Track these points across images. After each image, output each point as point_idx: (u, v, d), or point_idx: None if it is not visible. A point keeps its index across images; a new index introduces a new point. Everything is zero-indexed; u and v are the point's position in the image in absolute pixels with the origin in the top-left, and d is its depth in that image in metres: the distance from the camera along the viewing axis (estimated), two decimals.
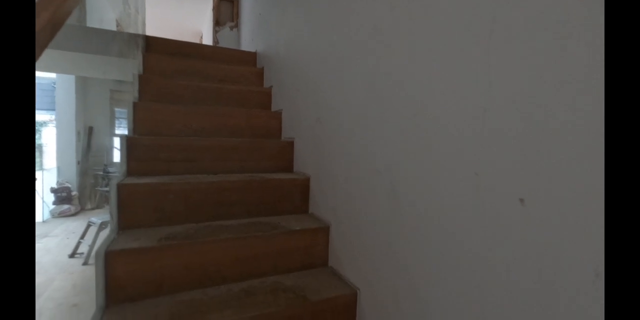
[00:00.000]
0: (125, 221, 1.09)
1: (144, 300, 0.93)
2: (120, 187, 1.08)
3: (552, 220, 0.50)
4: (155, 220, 1.13)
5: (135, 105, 1.43)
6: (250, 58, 2.30)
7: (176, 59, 1.90)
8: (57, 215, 4.68)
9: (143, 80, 1.63)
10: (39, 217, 4.50)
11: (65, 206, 4.75)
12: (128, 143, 1.27)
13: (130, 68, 2.28)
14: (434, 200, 0.73)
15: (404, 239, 0.82)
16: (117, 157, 5.61)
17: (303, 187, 1.37)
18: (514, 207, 0.55)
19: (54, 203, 4.68)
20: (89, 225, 3.44)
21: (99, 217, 3.49)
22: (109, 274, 0.90)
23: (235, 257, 1.05)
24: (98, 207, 5.32)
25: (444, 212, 0.70)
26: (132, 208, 1.10)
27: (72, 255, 3.35)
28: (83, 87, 5.35)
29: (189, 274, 1.00)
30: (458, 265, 0.66)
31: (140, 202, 1.11)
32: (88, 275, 2.95)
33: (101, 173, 5.14)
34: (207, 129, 1.55)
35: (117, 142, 5.65)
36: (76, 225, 4.35)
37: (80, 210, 5.07)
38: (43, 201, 4.61)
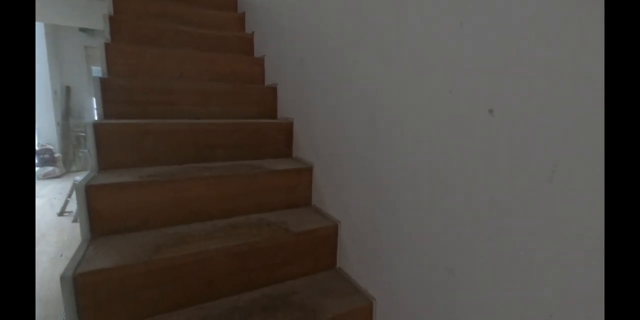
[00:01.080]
0: (105, 161, 1.08)
1: (130, 233, 0.95)
2: (97, 127, 1.06)
3: (519, 130, 0.51)
4: (136, 160, 1.12)
5: (107, 46, 1.35)
6: (230, 3, 2.15)
7: (151, 1, 1.76)
8: (42, 177, 4.62)
9: (115, 22, 1.52)
10: None
11: (50, 168, 4.68)
12: (102, 85, 1.22)
13: (99, 12, 2.11)
14: (409, 128, 0.73)
15: (381, 169, 0.84)
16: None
17: (287, 132, 1.36)
18: (484, 117, 0.56)
19: (37, 165, 4.60)
20: (75, 184, 3.43)
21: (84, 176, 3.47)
22: (92, 207, 0.91)
23: (220, 195, 1.07)
24: (84, 169, 5.25)
25: (418, 139, 0.71)
26: (111, 148, 1.08)
27: (61, 214, 3.37)
28: (55, 42, 5.00)
29: (174, 210, 1.01)
30: (431, 191, 0.69)
31: (119, 142, 1.09)
32: (79, 232, 2.99)
33: (83, 135, 5.00)
34: (187, 74, 1.49)
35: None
36: (62, 186, 4.32)
37: (65, 172, 5.01)
38: None
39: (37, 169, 4.61)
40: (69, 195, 3.44)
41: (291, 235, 0.99)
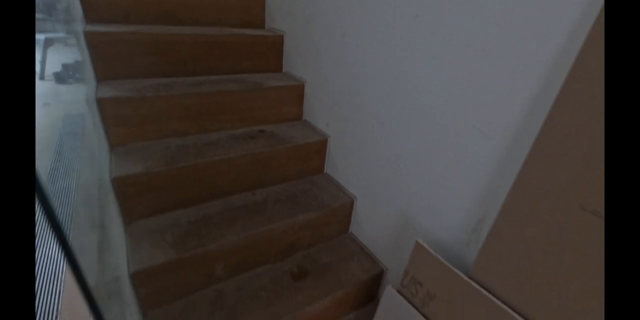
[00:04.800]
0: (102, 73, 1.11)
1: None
2: (89, 36, 1.03)
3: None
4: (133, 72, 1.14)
5: None
6: None
7: None
8: None
9: None
10: None
11: None
12: None
13: None
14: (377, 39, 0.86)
15: (362, 80, 0.99)
16: None
17: (276, 44, 1.36)
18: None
19: None
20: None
21: (39, 35, 3.28)
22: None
23: (219, 110, 1.18)
24: None
25: (385, 45, 0.84)
26: (108, 60, 1.09)
27: None
28: None
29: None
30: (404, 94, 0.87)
31: (114, 53, 1.08)
32: (47, 87, 3.05)
33: None
34: None
35: None
36: None
37: None
38: None
39: None
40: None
41: (290, 146, 1.19)
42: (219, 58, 1.28)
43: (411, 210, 0.95)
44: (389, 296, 0.90)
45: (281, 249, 1.09)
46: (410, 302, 0.85)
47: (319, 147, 1.27)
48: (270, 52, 1.39)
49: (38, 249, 1.24)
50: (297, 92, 1.33)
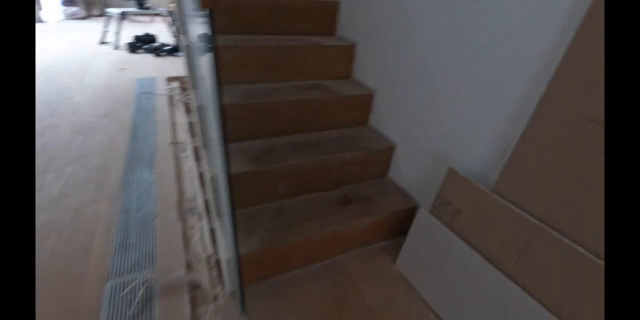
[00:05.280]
0: None
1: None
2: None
3: None
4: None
5: None
6: None
7: None
8: (67, 17, 4.63)
9: None
10: (55, 18, 4.48)
11: (73, 8, 4.61)
12: None
13: None
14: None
15: (410, 36, 1.12)
16: None
17: (332, 11, 1.53)
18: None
19: (63, 4, 4.51)
20: (109, 17, 3.79)
21: (114, 9, 3.79)
22: None
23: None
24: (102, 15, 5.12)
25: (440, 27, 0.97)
26: None
27: (101, 43, 3.79)
28: None
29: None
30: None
31: None
32: (121, 55, 3.49)
33: None
34: None
35: None
36: (92, 25, 4.44)
37: (88, 15, 4.94)
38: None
39: (63, 8, 4.55)
40: (105, 27, 3.75)
41: (340, 96, 1.37)
42: (284, 20, 1.48)
43: (446, 149, 1.10)
44: (421, 216, 1.07)
45: (330, 180, 1.29)
46: (439, 219, 1.02)
47: (366, 100, 1.44)
48: (326, 17, 1.56)
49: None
50: (349, 52, 1.49)
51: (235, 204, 0.77)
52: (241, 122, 1.22)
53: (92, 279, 1.03)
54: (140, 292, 0.99)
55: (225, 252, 0.97)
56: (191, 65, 1.39)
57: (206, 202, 1.39)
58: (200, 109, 1.12)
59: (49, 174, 1.51)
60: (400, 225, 1.29)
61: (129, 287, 1.00)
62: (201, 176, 1.56)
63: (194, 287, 1.05)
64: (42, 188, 1.41)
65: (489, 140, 0.94)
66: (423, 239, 1.07)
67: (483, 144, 0.96)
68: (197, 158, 1.75)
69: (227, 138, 0.69)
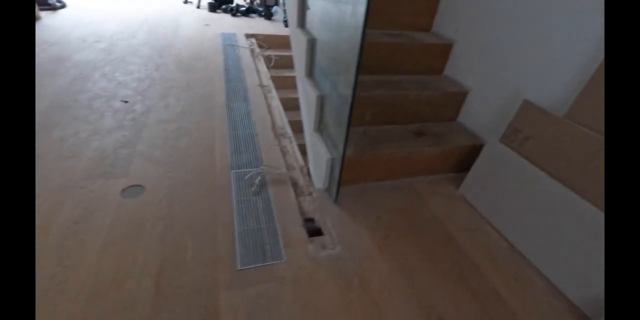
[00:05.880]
0: None
1: None
2: None
3: None
4: None
5: None
6: None
7: None
8: None
9: None
10: None
11: None
12: None
13: None
14: None
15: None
16: None
17: None
18: None
19: None
20: None
21: None
22: None
23: None
24: None
25: None
26: None
27: (185, 2, 4.32)
28: None
29: None
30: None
31: None
32: (203, 14, 3.88)
33: None
34: None
35: None
36: None
37: None
38: None
39: None
40: None
41: (419, 43, 1.52)
42: None
43: (520, 90, 1.23)
44: (491, 143, 1.23)
45: (407, 116, 1.48)
46: (508, 146, 1.18)
47: (445, 50, 1.58)
48: None
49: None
50: (432, 4, 1.62)
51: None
52: None
53: (219, 167, 1.35)
54: (258, 178, 1.28)
55: (325, 154, 1.22)
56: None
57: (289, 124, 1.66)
58: (312, 41, 1.34)
59: (170, 97, 1.86)
60: (465, 161, 1.47)
61: (248, 175, 1.30)
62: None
63: (293, 183, 1.33)
64: (168, 107, 1.76)
65: (564, 77, 1.07)
66: (489, 164, 1.24)
67: (558, 80, 1.09)
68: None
69: (359, 66, 0.90)
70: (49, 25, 2.90)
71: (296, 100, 2.68)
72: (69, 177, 1.20)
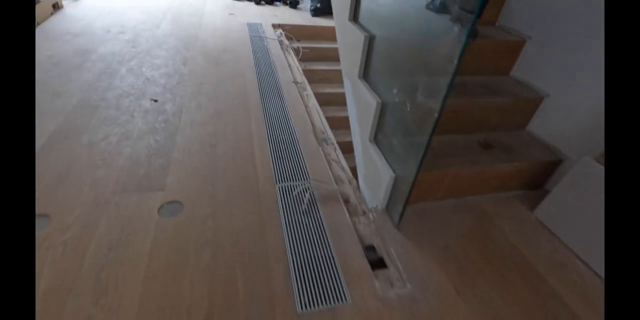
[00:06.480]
0: None
1: None
2: None
3: None
4: None
5: None
6: None
7: None
8: None
9: None
10: None
11: None
12: None
13: None
14: None
15: None
16: None
17: None
18: None
19: None
20: None
21: None
22: None
23: None
24: None
25: None
26: None
27: None
28: None
29: None
30: None
31: None
32: (227, 2, 3.70)
33: None
34: None
35: None
36: None
37: None
38: None
39: None
40: None
41: (492, 41, 1.32)
42: None
43: None
44: (584, 162, 1.05)
45: (472, 124, 1.30)
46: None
47: (516, 47, 1.37)
48: None
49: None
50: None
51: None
52: None
53: (262, 178, 1.21)
54: (307, 195, 1.13)
55: (387, 171, 1.06)
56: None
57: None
58: (370, 39, 1.16)
59: (201, 95, 1.72)
60: (537, 178, 1.28)
61: (296, 191, 1.16)
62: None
63: (345, 201, 1.18)
64: (200, 107, 1.62)
65: None
66: (579, 187, 1.06)
67: None
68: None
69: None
70: (71, 15, 2.78)
71: (328, 95, 2.52)
72: (101, 190, 1.09)
